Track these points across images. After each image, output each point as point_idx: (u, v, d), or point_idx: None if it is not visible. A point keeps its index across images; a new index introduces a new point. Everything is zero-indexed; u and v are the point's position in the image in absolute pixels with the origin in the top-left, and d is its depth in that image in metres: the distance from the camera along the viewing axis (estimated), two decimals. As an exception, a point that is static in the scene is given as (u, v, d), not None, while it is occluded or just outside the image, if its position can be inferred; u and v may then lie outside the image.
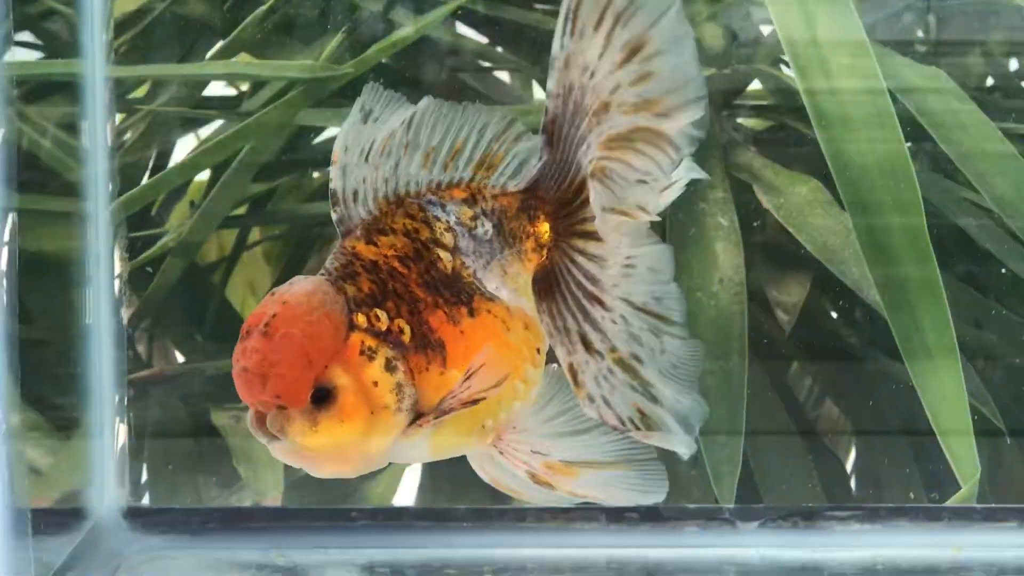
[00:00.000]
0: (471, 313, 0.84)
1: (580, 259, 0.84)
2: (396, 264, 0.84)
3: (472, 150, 0.86)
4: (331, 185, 0.86)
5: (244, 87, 1.66)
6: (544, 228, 0.86)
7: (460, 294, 0.84)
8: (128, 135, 1.53)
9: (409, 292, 0.83)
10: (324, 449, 0.81)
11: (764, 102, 1.61)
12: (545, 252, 0.85)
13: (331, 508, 1.25)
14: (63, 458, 1.28)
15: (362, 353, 0.81)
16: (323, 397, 0.81)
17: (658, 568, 1.20)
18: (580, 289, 0.84)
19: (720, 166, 1.51)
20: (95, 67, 1.27)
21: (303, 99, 1.40)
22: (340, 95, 1.51)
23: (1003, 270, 1.43)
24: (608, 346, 0.83)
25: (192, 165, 1.47)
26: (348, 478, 0.86)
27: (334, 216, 0.87)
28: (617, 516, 1.25)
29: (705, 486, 1.42)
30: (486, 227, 0.85)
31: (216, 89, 1.68)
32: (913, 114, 1.39)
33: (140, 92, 1.58)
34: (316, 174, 1.70)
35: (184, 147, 1.64)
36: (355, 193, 0.86)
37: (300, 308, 0.81)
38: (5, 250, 1.06)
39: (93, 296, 1.26)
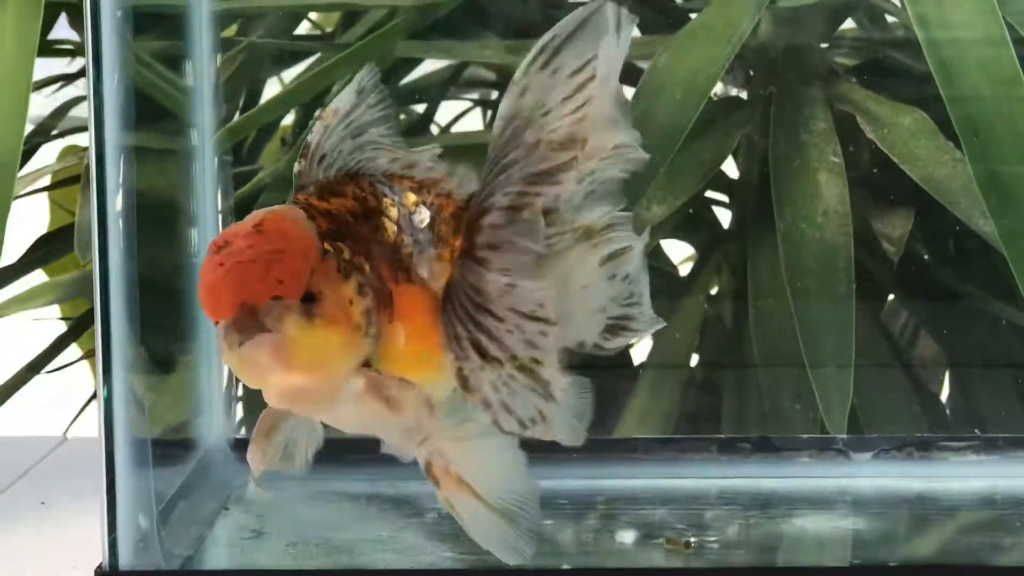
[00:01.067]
0: (409, 282, 0.86)
1: (470, 275, 0.85)
2: (348, 217, 0.86)
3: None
4: (308, 138, 0.89)
5: (329, 29, 1.65)
6: (459, 242, 0.86)
7: (400, 262, 0.86)
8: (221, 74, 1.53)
9: (363, 239, 0.85)
10: (311, 350, 0.81)
11: (865, 35, 1.58)
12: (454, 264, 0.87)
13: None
14: (169, 392, 1.28)
15: (338, 270, 0.82)
16: (310, 300, 0.81)
17: (770, 498, 1.19)
18: (469, 300, 0.84)
19: (822, 97, 1.48)
20: (201, 1, 1.27)
21: (403, 29, 1.39)
22: (436, 29, 1.50)
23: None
24: (508, 354, 0.83)
25: (292, 96, 1.46)
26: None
27: (297, 167, 0.89)
28: (729, 447, 1.24)
29: (808, 421, 1.41)
30: (423, 216, 0.86)
31: (304, 30, 1.68)
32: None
33: (229, 32, 1.57)
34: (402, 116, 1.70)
35: (272, 88, 1.64)
36: (323, 156, 0.88)
37: (287, 213, 0.82)
38: (122, 191, 1.05)
39: (198, 232, 1.26)
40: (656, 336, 1.58)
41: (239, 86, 1.57)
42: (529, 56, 0.85)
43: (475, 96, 1.80)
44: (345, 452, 1.26)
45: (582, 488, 1.21)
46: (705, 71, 1.37)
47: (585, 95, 0.84)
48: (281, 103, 1.48)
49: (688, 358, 1.55)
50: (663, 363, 1.53)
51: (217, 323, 0.80)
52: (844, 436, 1.25)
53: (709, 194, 1.61)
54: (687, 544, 1.09)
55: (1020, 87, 1.30)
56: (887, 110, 1.47)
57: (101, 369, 1.07)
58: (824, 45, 1.55)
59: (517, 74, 0.85)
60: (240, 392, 1.36)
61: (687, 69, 1.38)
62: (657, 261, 1.57)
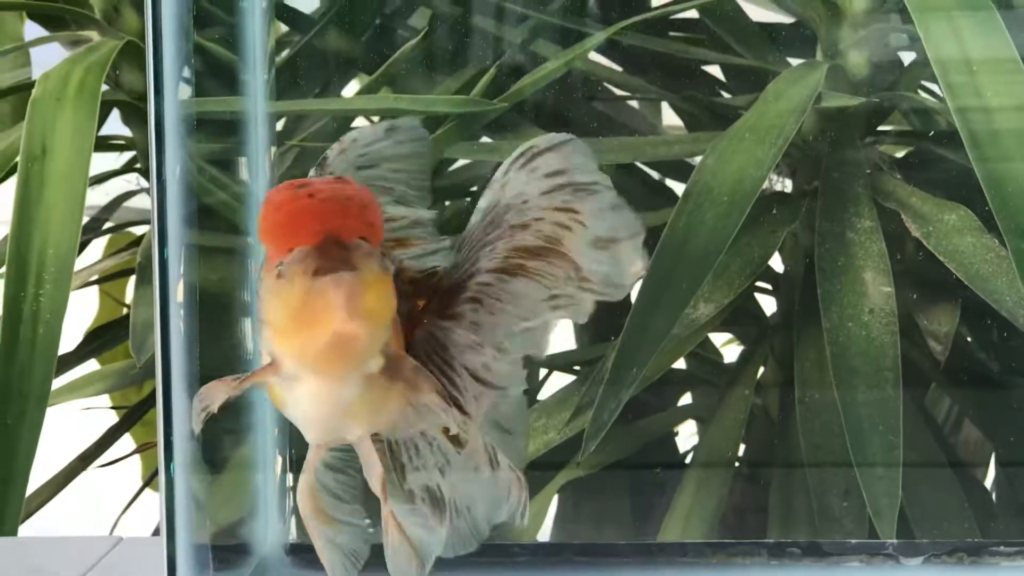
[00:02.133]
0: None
1: (438, 334, 0.90)
2: None
3: None
4: (328, 154, 0.95)
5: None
6: (419, 305, 0.91)
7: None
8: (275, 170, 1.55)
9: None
10: (376, 302, 0.82)
11: (907, 128, 1.60)
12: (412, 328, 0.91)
13: (492, 544, 1.25)
14: (222, 492, 1.29)
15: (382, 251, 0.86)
16: None
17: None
18: (436, 355, 0.90)
19: (866, 194, 1.50)
20: (257, 103, 1.29)
21: (454, 134, 1.41)
22: (485, 128, 1.53)
23: None
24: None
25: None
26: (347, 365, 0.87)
27: (312, 173, 0.96)
28: (779, 551, 1.24)
29: (856, 519, 1.41)
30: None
31: (360, 124, 1.70)
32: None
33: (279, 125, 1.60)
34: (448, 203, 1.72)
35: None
36: (331, 174, 0.95)
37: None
38: (183, 283, 1.08)
39: (252, 329, 1.28)
40: (702, 429, 1.59)
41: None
42: (509, 159, 0.92)
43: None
44: None
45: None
46: (752, 174, 1.39)
47: (563, 199, 0.90)
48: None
49: (735, 453, 1.56)
50: (710, 459, 1.54)
51: (288, 251, 0.81)
52: (894, 541, 1.25)
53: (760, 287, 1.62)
54: None
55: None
56: (931, 207, 1.48)
57: (163, 470, 1.08)
58: (868, 139, 1.57)
59: (498, 173, 0.92)
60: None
61: (734, 172, 1.39)
62: (704, 350, 1.59)
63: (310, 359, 0.85)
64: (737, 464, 1.55)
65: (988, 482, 1.61)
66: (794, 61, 1.59)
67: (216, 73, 1.43)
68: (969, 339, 1.53)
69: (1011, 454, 1.53)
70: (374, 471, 0.93)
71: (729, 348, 1.70)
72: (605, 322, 1.70)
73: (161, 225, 1.09)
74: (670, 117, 1.73)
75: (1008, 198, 1.31)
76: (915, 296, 1.51)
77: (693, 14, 1.59)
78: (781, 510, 1.52)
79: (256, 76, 1.30)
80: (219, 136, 1.36)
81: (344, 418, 0.88)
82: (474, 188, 1.68)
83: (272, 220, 0.82)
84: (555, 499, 1.58)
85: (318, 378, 0.86)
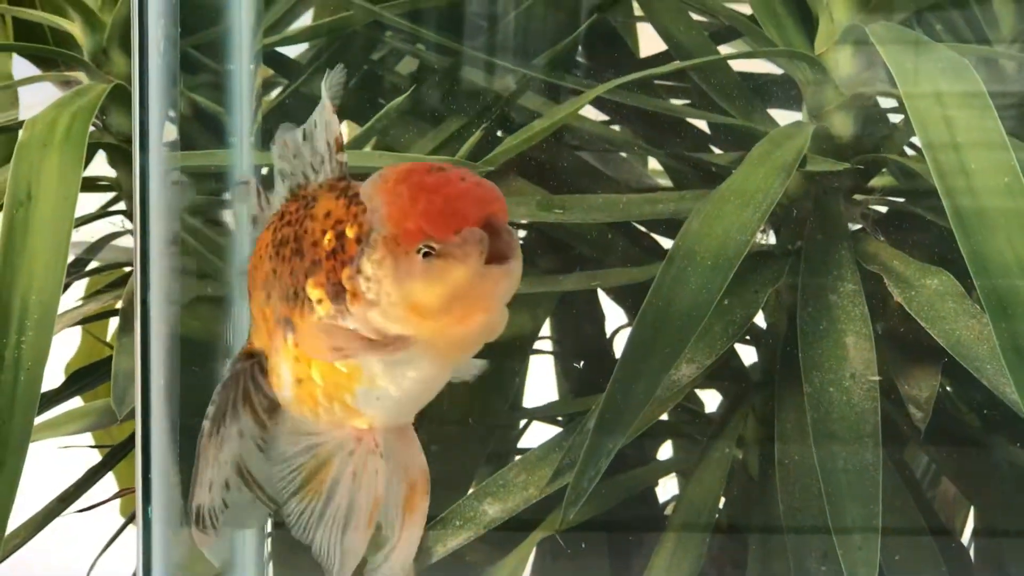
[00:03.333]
0: None
1: None
2: None
3: None
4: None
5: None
6: None
7: None
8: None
9: None
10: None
11: (893, 187, 1.60)
12: None
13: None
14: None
15: None
16: None
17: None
18: None
19: (849, 256, 1.50)
20: (242, 155, 1.30)
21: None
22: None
23: None
24: None
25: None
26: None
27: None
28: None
29: (835, 581, 1.41)
30: None
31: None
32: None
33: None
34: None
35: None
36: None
37: None
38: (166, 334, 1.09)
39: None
40: (683, 482, 1.60)
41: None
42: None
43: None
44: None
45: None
46: (736, 238, 1.39)
47: None
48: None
49: (714, 511, 1.56)
50: (689, 517, 1.54)
51: (453, 233, 0.82)
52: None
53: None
54: None
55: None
56: (914, 271, 1.49)
57: (141, 514, 1.08)
58: (853, 200, 1.58)
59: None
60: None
61: (718, 235, 1.40)
62: (685, 400, 1.59)
63: (451, 342, 0.87)
64: (717, 521, 1.56)
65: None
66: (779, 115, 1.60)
67: (202, 120, 1.44)
68: (951, 407, 1.53)
69: (990, 516, 1.54)
70: (415, 462, 0.93)
71: (710, 392, 1.70)
72: (588, 373, 1.72)
73: (144, 272, 1.09)
74: (657, 163, 1.74)
75: (993, 277, 1.31)
76: (898, 359, 1.52)
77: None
78: (760, 570, 1.52)
79: (242, 129, 1.31)
80: (205, 185, 1.37)
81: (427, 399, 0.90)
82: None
83: (429, 201, 0.83)
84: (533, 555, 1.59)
85: (440, 360, 0.87)
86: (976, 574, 1.57)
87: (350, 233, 0.88)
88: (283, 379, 0.91)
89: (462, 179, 0.84)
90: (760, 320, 1.60)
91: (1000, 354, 1.28)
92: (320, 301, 0.88)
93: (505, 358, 1.61)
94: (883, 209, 1.60)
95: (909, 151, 1.58)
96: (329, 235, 0.88)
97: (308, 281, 0.88)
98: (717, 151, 1.66)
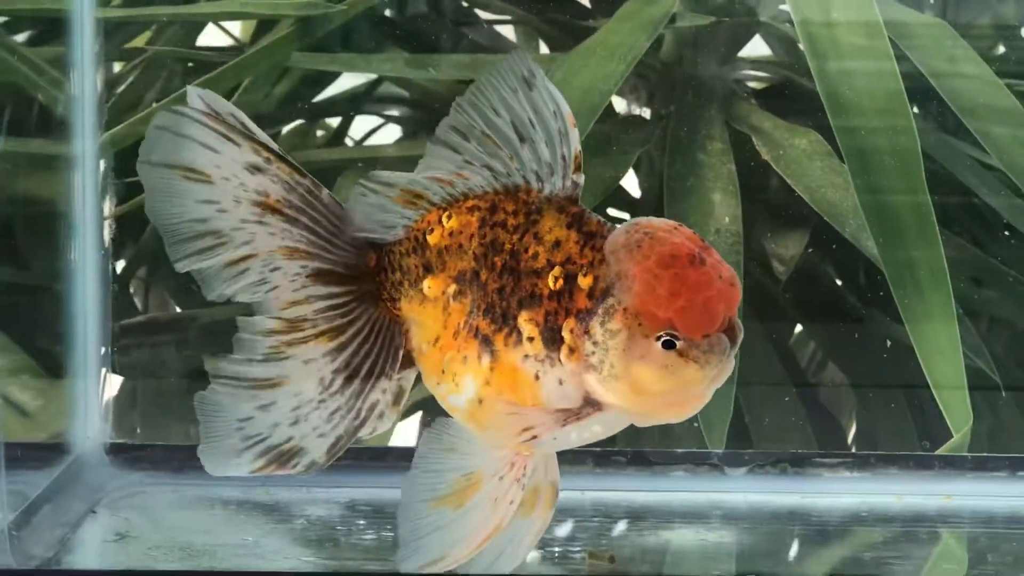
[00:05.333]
0: None
1: None
2: None
3: None
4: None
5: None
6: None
7: None
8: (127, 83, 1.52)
9: None
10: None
11: (766, 56, 1.59)
12: None
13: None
14: (51, 399, 1.27)
15: None
16: None
17: (644, 512, 1.19)
18: None
19: (719, 118, 1.49)
20: (83, 6, 1.27)
21: (295, 37, 1.39)
22: (338, 42, 1.51)
23: (1005, 230, 1.42)
24: None
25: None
26: None
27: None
28: (604, 460, 1.24)
29: (698, 435, 1.41)
30: None
31: (217, 39, 1.68)
32: (916, 67, 1.38)
33: (141, 41, 1.57)
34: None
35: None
36: None
37: None
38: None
39: (80, 240, 1.26)
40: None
41: (146, 92, 1.57)
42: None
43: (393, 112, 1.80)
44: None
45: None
46: (599, 88, 1.38)
47: None
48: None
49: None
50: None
51: (702, 337, 0.82)
52: (719, 451, 1.25)
53: (612, 212, 1.61)
54: (611, 559, 1.08)
55: (906, 117, 1.32)
56: (783, 132, 1.48)
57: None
58: (725, 65, 1.56)
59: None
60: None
61: (581, 85, 1.38)
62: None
63: (653, 416, 0.87)
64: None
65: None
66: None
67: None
68: (816, 264, 1.53)
69: (860, 379, 1.53)
70: (549, 478, 0.93)
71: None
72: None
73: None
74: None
75: (865, 157, 1.31)
76: (768, 219, 1.51)
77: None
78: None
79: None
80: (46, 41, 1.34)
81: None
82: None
83: (689, 301, 0.82)
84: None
85: (630, 420, 0.88)
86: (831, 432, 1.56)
87: (583, 283, 0.85)
88: (462, 389, 0.88)
89: (720, 276, 0.83)
90: (635, 189, 1.59)
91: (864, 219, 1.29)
92: (531, 339, 0.86)
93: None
94: (759, 74, 1.60)
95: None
96: (556, 272, 0.86)
97: (523, 313, 0.86)
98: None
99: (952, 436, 1.22)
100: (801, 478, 1.22)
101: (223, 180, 0.88)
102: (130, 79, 1.52)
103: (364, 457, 1.22)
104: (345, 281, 0.90)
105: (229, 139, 0.88)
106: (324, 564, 1.04)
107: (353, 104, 1.69)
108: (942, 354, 1.27)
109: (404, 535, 0.88)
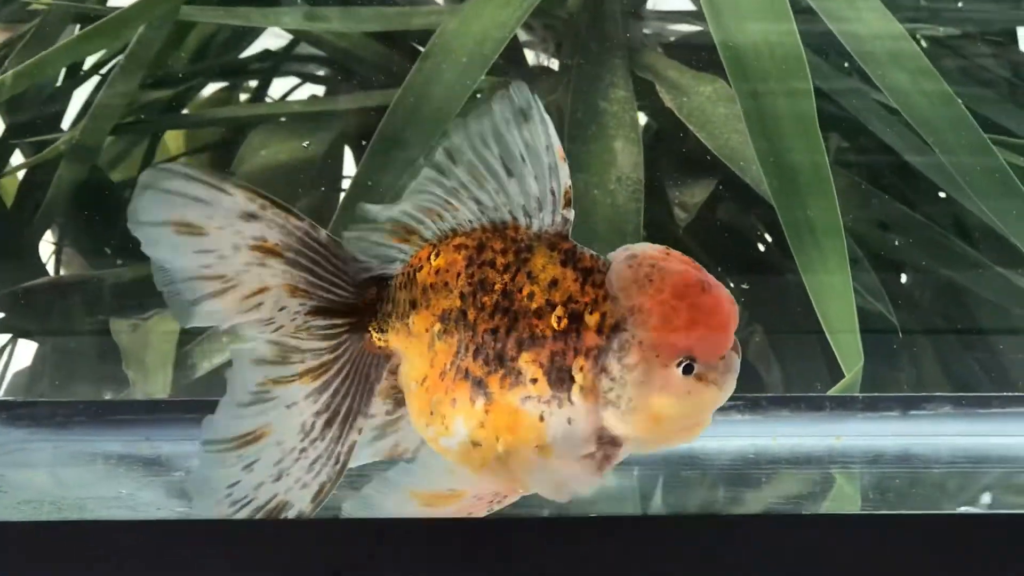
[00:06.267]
0: None
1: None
2: None
3: None
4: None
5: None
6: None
7: None
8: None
9: None
10: None
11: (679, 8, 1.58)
12: None
13: (202, 400, 1.23)
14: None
15: None
16: None
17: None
18: None
19: (623, 66, 1.48)
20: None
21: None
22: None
23: (905, 166, 1.41)
24: None
25: (69, 50, 1.44)
26: None
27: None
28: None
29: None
30: None
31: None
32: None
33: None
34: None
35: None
36: None
37: None
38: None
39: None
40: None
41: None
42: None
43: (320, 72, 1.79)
44: (105, 414, 1.25)
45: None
46: (494, 35, 1.37)
47: None
48: (43, 64, 1.44)
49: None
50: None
51: (719, 358, 0.82)
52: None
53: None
54: None
55: (805, 79, 1.31)
56: (689, 79, 1.47)
57: None
58: (633, 16, 1.55)
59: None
60: None
61: (475, 33, 1.37)
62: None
63: (662, 443, 0.86)
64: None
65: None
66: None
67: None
68: (723, 212, 1.52)
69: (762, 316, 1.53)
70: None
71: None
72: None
73: None
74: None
75: (743, 60, 1.30)
76: (673, 167, 1.50)
77: None
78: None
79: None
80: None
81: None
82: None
83: (707, 327, 0.83)
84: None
85: (637, 450, 0.87)
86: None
87: (590, 321, 0.83)
88: (452, 432, 0.86)
89: (727, 300, 0.83)
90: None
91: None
92: (535, 381, 0.84)
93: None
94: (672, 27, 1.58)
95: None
96: (559, 312, 0.84)
97: (523, 355, 0.84)
98: None
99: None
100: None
101: (218, 230, 0.87)
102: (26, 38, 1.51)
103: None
104: (343, 317, 0.89)
105: (220, 189, 0.87)
106: (197, 514, 1.02)
107: (273, 64, 1.68)
108: (835, 299, 1.26)
109: (366, 491, 0.89)
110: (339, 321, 0.89)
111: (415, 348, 0.87)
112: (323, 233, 0.88)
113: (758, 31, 1.34)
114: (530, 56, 1.60)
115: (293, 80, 1.74)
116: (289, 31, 1.54)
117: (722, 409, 1.11)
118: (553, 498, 0.85)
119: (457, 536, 0.86)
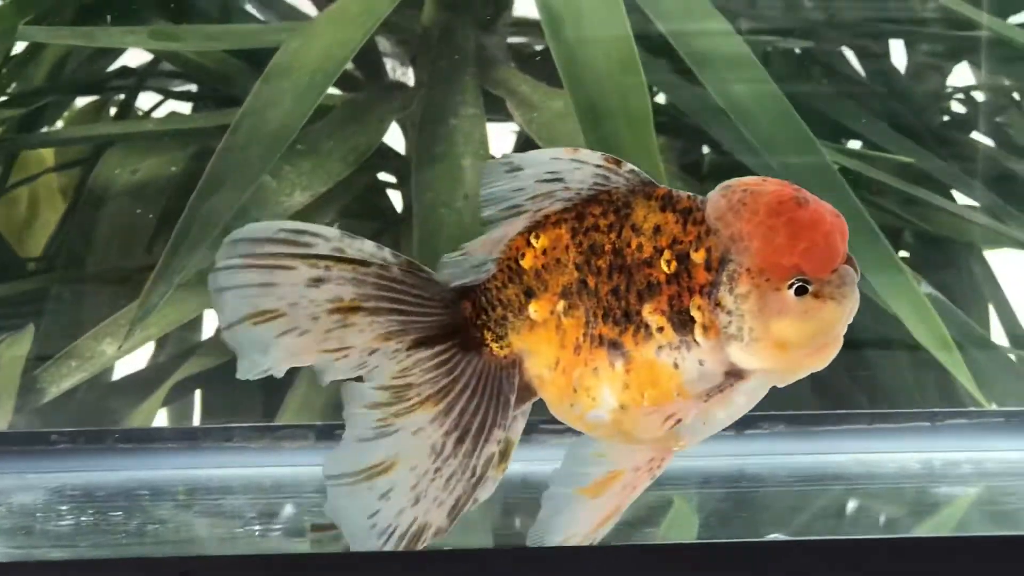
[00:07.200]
0: None
1: None
2: None
3: None
4: None
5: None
6: None
7: None
8: None
9: None
10: None
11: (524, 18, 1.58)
12: None
13: (29, 432, 1.22)
14: None
15: None
16: None
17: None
18: None
19: (473, 82, 1.48)
20: None
21: (14, 10, 1.36)
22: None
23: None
24: None
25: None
26: None
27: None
28: (327, 434, 1.22)
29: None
30: None
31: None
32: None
33: None
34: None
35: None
36: None
37: None
38: None
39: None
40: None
41: None
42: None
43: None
44: None
45: (171, 479, 1.19)
46: (335, 55, 1.36)
47: None
48: None
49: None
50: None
51: (830, 272, 0.81)
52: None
53: (381, 177, 1.60)
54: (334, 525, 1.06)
55: (637, 75, 1.32)
56: (541, 95, 1.47)
57: None
58: (486, 30, 1.55)
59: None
60: None
61: (317, 52, 1.36)
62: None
63: (794, 371, 0.85)
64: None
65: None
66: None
67: None
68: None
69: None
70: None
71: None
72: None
73: None
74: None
75: (580, 76, 1.30)
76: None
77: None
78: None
79: None
80: None
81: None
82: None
83: (811, 241, 0.82)
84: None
85: (771, 383, 0.85)
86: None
87: (697, 258, 0.84)
88: (600, 402, 0.86)
89: (830, 212, 0.82)
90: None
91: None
92: (661, 330, 0.84)
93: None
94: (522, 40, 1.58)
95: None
96: (667, 255, 0.84)
97: (645, 306, 0.84)
98: None
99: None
100: (528, 446, 1.21)
101: (291, 307, 0.85)
102: None
103: (80, 440, 1.19)
104: (446, 339, 0.87)
105: (279, 267, 0.86)
106: (7, 553, 1.01)
107: (138, 80, 1.66)
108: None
109: (541, 516, 0.88)
110: (443, 346, 0.87)
111: (541, 337, 0.86)
112: (395, 269, 0.86)
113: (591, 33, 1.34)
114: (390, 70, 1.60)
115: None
116: (148, 49, 1.52)
117: (557, 432, 1.12)
118: (655, 442, 0.86)
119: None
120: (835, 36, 1.67)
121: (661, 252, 0.84)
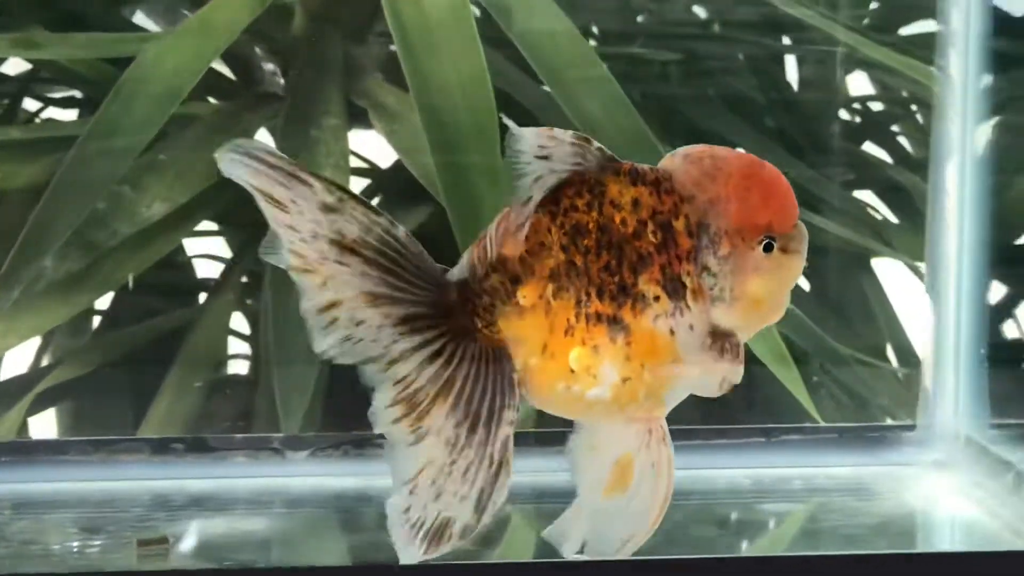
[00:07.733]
0: None
1: None
2: None
3: None
4: None
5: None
6: None
7: None
8: None
9: None
10: None
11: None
12: None
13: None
14: None
15: None
16: None
17: (204, 500, 1.17)
18: None
19: (338, 93, 1.48)
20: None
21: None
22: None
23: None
24: None
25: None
26: None
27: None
28: (163, 448, 1.22)
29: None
30: None
31: None
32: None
33: None
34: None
35: None
36: None
37: None
38: None
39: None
40: (187, 336, 1.56)
41: None
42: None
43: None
44: None
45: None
46: (190, 66, 1.36)
47: None
48: None
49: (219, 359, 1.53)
50: (191, 363, 1.51)
51: (793, 227, 0.86)
52: (280, 435, 1.24)
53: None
54: (164, 539, 1.06)
55: (485, 86, 1.32)
56: (407, 106, 1.47)
57: None
58: (354, 40, 1.55)
59: None
60: None
61: (173, 64, 1.36)
62: (181, 257, 1.56)
63: (758, 326, 0.89)
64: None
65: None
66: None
67: None
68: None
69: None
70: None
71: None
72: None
73: None
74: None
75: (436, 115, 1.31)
76: (394, 194, 1.50)
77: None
78: (265, 413, 1.49)
79: None
80: None
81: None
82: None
83: (781, 197, 0.87)
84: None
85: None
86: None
87: (678, 226, 0.87)
88: (601, 379, 0.87)
89: (782, 172, 0.88)
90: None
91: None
92: (658, 299, 0.87)
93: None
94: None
95: None
96: (651, 227, 0.87)
97: (640, 278, 0.87)
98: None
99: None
100: (363, 460, 1.21)
101: (299, 214, 0.86)
102: None
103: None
104: (437, 323, 0.88)
105: (296, 178, 0.87)
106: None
107: (20, 87, 1.65)
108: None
109: (588, 531, 0.90)
110: (434, 332, 0.87)
111: (529, 323, 0.87)
112: (401, 230, 0.87)
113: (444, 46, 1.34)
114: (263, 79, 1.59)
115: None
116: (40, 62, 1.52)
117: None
118: (637, 412, 0.87)
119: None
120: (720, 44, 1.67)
121: (645, 224, 0.87)
